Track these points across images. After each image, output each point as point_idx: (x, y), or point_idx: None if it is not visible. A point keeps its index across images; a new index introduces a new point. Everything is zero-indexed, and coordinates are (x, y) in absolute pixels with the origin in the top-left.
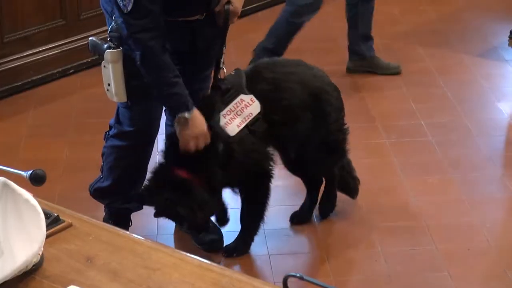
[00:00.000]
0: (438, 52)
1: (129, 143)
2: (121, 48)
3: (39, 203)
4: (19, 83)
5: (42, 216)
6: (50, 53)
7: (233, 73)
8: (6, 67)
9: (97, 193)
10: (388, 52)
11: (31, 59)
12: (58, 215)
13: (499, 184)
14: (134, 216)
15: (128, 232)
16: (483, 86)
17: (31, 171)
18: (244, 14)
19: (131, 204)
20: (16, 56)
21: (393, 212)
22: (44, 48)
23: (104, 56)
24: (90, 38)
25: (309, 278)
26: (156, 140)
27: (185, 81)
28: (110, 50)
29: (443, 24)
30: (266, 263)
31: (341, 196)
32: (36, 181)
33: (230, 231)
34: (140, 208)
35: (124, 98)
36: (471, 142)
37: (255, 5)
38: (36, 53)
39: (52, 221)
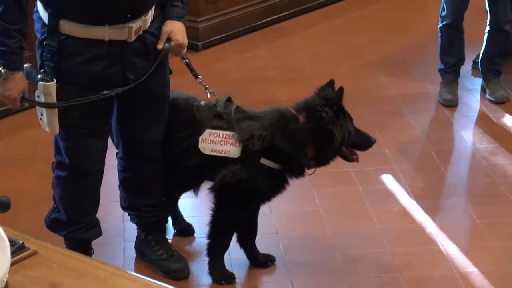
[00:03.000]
0: (403, 81)
1: (69, 174)
2: (55, 81)
3: (4, 231)
4: None
5: (7, 243)
6: None
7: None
8: None
9: (54, 224)
10: (353, 81)
11: None
12: (23, 243)
13: (463, 212)
14: (99, 246)
15: (92, 258)
16: (447, 115)
17: None
18: (212, 44)
19: (88, 232)
20: None
21: (359, 239)
22: None
23: (38, 87)
24: (25, 65)
25: None
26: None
27: (129, 126)
28: (44, 83)
29: (409, 54)
30: None
31: (307, 225)
32: (0, 207)
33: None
34: (99, 234)
35: (56, 130)
36: (435, 171)
37: (223, 35)
38: None
39: (17, 248)
